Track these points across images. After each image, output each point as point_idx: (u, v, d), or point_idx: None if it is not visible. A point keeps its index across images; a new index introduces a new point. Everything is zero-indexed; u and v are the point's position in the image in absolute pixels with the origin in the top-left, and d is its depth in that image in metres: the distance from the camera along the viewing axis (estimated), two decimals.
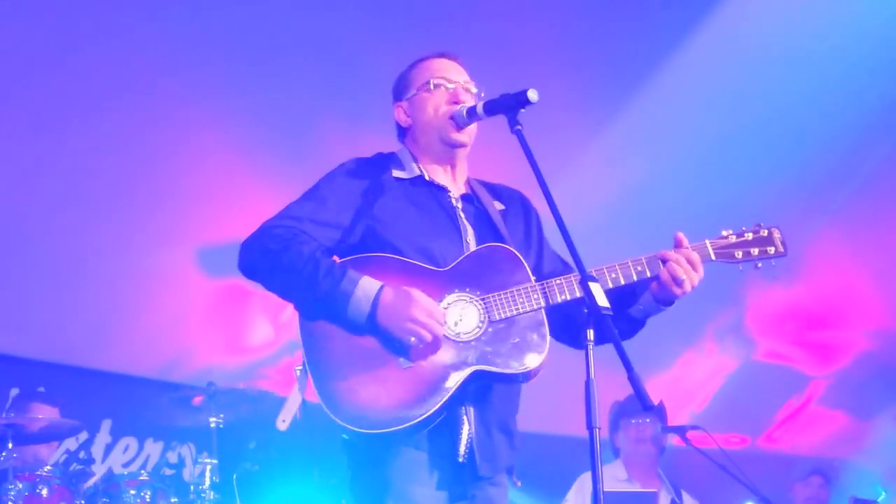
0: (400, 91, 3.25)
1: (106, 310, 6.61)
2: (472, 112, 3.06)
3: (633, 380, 2.50)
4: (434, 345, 2.84)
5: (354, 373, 2.83)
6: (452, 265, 2.97)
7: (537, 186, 2.80)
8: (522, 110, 2.91)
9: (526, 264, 2.99)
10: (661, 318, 3.12)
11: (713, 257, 3.07)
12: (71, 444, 6.45)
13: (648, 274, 2.99)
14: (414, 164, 3.15)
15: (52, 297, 6.46)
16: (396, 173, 3.13)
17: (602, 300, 2.66)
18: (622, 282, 2.96)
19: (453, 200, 3.12)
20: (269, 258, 2.92)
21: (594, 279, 2.71)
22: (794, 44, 5.96)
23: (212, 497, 5.54)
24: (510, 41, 5.76)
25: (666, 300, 3.04)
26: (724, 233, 3.13)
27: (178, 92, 5.82)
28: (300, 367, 2.89)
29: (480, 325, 2.88)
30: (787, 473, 6.85)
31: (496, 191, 3.26)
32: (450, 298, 2.91)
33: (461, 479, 2.92)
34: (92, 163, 6.05)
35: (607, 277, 2.95)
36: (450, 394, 2.82)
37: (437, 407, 2.80)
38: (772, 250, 3.13)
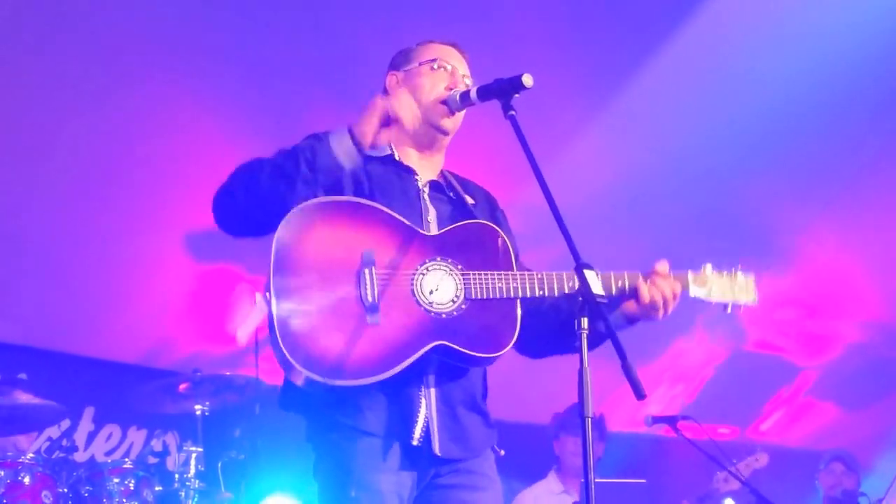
0: (399, 61, 3.19)
1: (89, 294, 6.54)
2: (465, 97, 3.00)
3: (627, 369, 2.45)
4: (405, 309, 2.79)
5: (320, 317, 2.74)
6: (438, 233, 2.93)
7: (531, 172, 2.72)
8: (516, 95, 2.85)
9: (513, 252, 2.95)
10: None
11: (690, 293, 3.08)
12: (53, 431, 6.39)
13: (627, 290, 2.99)
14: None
15: (34, 281, 6.39)
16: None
17: (597, 287, 2.61)
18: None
19: (419, 183, 3.06)
20: (229, 184, 2.89)
21: (589, 266, 2.64)
22: (790, 31, 5.94)
23: (197, 485, 5.50)
24: (502, 24, 5.71)
25: (634, 319, 3.03)
26: (705, 268, 3.13)
27: (164, 76, 5.75)
28: (265, 295, 2.78)
29: (455, 299, 2.83)
30: (775, 464, 6.83)
31: (467, 186, 3.21)
32: (430, 264, 2.86)
33: (419, 462, 2.85)
34: (77, 147, 5.97)
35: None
36: (409, 361, 2.75)
37: (394, 371, 2.74)
38: (742, 298, 3.16)
